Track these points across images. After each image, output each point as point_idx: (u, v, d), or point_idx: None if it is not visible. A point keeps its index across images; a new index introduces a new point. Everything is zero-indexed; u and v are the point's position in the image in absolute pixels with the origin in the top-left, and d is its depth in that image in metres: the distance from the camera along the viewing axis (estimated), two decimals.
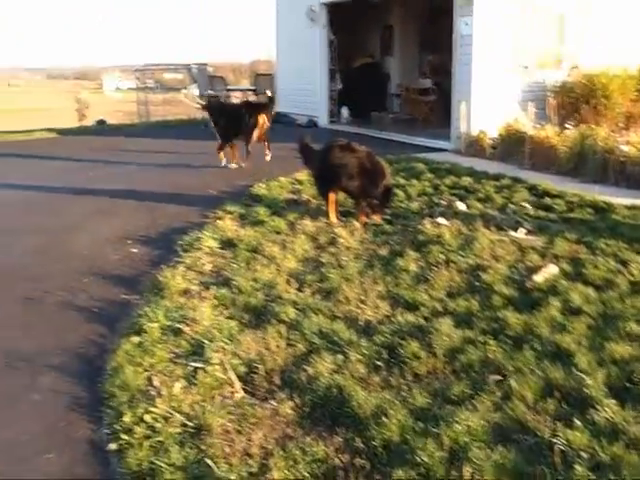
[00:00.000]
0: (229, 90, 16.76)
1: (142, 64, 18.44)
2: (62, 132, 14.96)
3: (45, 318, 4.08)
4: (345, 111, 14.81)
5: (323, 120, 14.66)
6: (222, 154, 9.20)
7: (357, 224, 5.67)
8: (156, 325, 3.69)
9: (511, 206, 6.21)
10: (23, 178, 8.96)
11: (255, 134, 8.93)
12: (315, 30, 14.50)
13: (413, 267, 4.54)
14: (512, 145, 9.08)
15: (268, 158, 9.25)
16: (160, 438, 2.68)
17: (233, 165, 9.15)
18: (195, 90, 16.80)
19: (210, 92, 15.31)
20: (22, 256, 5.39)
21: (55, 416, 2.95)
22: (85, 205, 7.25)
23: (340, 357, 3.27)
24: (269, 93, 12.24)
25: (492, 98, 9.97)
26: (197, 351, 3.39)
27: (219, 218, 6.05)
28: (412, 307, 3.89)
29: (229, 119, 9.16)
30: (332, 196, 5.89)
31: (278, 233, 5.50)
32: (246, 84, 22.44)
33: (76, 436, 2.81)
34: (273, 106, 10.09)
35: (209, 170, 9.07)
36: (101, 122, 17.03)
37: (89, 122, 17.90)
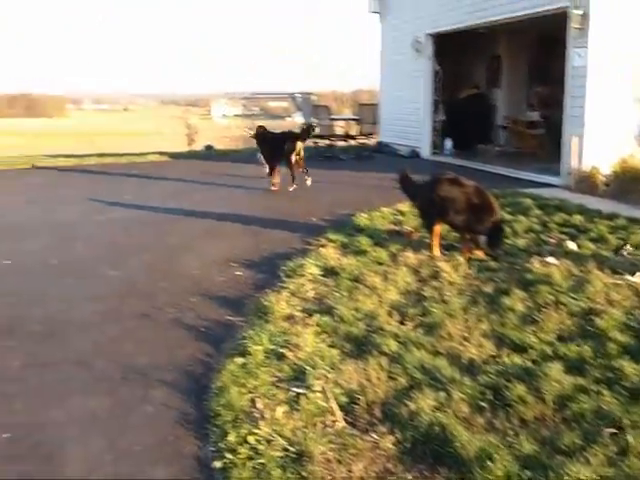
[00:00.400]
0: (332, 119, 17.07)
1: (249, 92, 19.28)
2: (173, 156, 15.84)
3: (157, 334, 4.28)
4: (448, 143, 14.67)
5: (425, 151, 14.60)
6: (275, 177, 9.98)
7: (461, 259, 5.58)
8: (260, 348, 3.78)
9: (628, 248, 5.88)
10: (137, 198, 9.55)
11: (293, 159, 9.53)
12: (420, 61, 14.55)
13: (520, 307, 4.39)
14: (628, 183, 8.64)
15: (309, 183, 9.84)
16: (262, 460, 2.73)
17: (274, 188, 9.91)
18: (300, 118, 17.31)
19: (314, 120, 15.70)
20: (136, 274, 5.71)
21: (165, 430, 3.08)
22: (193, 226, 7.61)
23: (442, 394, 3.20)
24: (313, 121, 13.00)
25: (606, 133, 9.56)
26: (299, 377, 3.44)
27: (322, 246, 6.16)
28: (519, 348, 3.75)
29: (272, 146, 9.89)
30: (437, 229, 5.84)
31: (380, 264, 5.50)
32: (348, 113, 22.83)
33: (184, 451, 2.91)
34: (310, 133, 10.53)
35: (309, 197, 9.31)
36: (209, 147, 17.78)
37: (198, 147, 18.75)
